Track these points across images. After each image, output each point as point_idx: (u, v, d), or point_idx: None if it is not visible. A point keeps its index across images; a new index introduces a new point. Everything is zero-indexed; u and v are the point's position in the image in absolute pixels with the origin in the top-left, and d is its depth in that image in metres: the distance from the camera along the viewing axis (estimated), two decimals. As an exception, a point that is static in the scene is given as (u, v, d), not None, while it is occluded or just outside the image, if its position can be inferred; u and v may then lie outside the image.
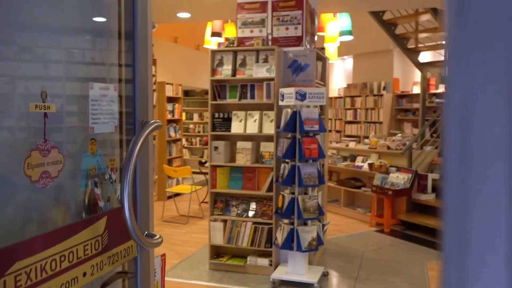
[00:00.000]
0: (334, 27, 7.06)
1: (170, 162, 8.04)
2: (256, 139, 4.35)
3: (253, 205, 4.33)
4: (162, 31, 8.41)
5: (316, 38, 4.71)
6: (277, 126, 3.98)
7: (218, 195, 4.44)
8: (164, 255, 1.73)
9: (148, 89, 1.46)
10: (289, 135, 3.91)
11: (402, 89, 9.36)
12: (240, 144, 4.28)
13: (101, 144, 1.29)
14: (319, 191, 4.07)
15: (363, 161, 6.57)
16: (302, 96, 3.76)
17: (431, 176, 5.84)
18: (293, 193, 3.90)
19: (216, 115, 4.35)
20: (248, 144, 4.25)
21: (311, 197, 3.85)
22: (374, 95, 9.40)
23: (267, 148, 4.21)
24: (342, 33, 6.83)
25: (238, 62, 4.27)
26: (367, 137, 9.35)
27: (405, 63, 9.33)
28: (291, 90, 3.76)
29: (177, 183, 8.02)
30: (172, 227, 5.99)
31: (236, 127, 4.26)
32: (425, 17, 6.92)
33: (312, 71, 4.18)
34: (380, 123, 9.25)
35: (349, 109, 10.04)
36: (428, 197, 5.81)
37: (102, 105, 1.29)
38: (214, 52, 4.32)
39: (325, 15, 7.00)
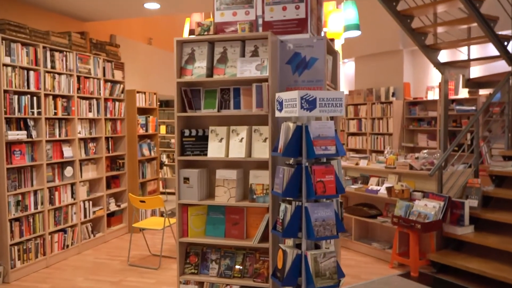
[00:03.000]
0: (338, 20, 5.85)
1: (143, 186, 6.72)
2: (243, 166, 3.08)
3: (240, 260, 3.04)
4: (133, 31, 7.15)
5: (322, 24, 3.47)
6: (274, 148, 2.71)
7: (191, 245, 3.15)
8: None
9: None
10: (292, 161, 2.65)
11: (414, 95, 8.15)
12: (220, 173, 3.00)
13: None
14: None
15: (378, 184, 5.32)
16: (310, 104, 2.50)
17: (468, 204, 4.59)
18: (300, 247, 2.63)
19: (186, 132, 3.07)
20: (231, 174, 2.97)
21: (326, 254, 2.57)
22: (382, 103, 8.18)
23: (259, 179, 2.93)
24: (347, 28, 5.62)
25: (216, 56, 3.00)
26: (376, 152, 8.12)
27: (417, 65, 8.14)
28: (294, 94, 2.50)
29: (153, 212, 6.70)
30: (139, 275, 4.67)
31: (215, 150, 2.98)
32: (442, 7, 5.73)
33: (321, 68, 2.93)
34: (390, 134, 8.02)
35: (352, 119, 8.82)
36: (465, 231, 4.55)
37: None
38: (181, 44, 3.05)
39: (326, 6, 5.80)
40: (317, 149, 2.52)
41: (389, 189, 4.96)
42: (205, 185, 3.09)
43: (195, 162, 3.15)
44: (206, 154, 3.01)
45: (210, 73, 3.00)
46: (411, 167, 4.99)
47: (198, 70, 2.98)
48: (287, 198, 2.62)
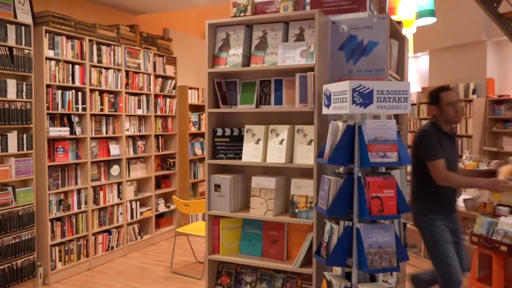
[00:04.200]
0: (409, 6, 5.15)
1: (195, 186, 6.42)
2: (284, 172, 2.58)
3: (279, 286, 2.55)
4: (187, 24, 6.88)
5: (387, 2, 2.87)
6: (319, 153, 2.18)
7: (224, 263, 2.70)
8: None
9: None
10: (341, 170, 2.11)
11: (499, 93, 7.16)
12: (256, 181, 2.52)
13: None
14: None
15: (454, 195, 4.56)
16: (365, 97, 1.95)
17: None
18: (349, 278, 2.09)
19: (219, 131, 2.63)
20: (270, 182, 2.48)
21: (382, 291, 2.00)
22: (460, 101, 7.27)
23: (302, 189, 2.41)
24: (420, 14, 4.91)
25: (255, 42, 2.53)
26: (451, 156, 7.22)
27: (503, 58, 7.14)
28: (344, 85, 1.97)
29: (204, 215, 6.38)
30: (180, 284, 4.32)
31: (250, 153, 2.51)
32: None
33: (383, 54, 2.35)
34: (469, 137, 7.09)
35: (426, 119, 7.95)
36: None
37: None
38: (215, 28, 2.61)
39: (396, -8, 5.12)
40: (373, 156, 1.96)
41: (467, 202, 4.21)
42: (239, 194, 2.63)
43: (229, 167, 2.71)
44: (240, 158, 2.55)
45: (247, 61, 2.53)
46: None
47: (233, 58, 2.52)
48: (334, 216, 2.09)
